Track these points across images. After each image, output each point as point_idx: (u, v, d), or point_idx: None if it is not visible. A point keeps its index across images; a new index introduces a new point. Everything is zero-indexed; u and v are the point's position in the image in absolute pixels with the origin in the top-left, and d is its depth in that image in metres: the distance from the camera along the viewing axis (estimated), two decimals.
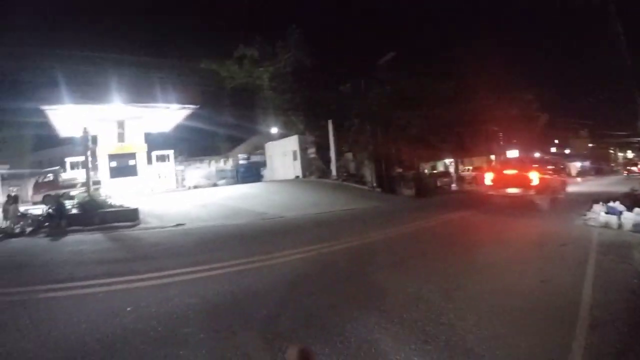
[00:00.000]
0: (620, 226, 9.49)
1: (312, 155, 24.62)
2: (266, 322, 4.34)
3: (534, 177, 12.68)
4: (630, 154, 42.88)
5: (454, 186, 24.09)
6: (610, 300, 4.87)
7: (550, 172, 15.60)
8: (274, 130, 29.97)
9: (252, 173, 27.39)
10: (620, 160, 44.66)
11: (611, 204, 10.64)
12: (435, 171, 26.05)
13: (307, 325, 4.24)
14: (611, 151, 48.06)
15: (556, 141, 40.46)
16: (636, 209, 9.87)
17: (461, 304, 4.79)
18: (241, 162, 29.20)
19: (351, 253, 7.25)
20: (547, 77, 32.54)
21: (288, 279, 5.88)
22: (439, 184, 21.67)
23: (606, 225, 9.64)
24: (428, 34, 30.54)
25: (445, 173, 25.52)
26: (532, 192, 12.70)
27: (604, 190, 18.43)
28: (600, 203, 10.89)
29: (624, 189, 14.49)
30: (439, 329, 4.08)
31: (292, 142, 26.71)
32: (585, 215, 10.73)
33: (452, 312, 4.52)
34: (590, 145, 45.24)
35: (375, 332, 4.00)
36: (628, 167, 32.94)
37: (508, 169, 13.47)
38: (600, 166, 43.11)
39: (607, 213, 10.11)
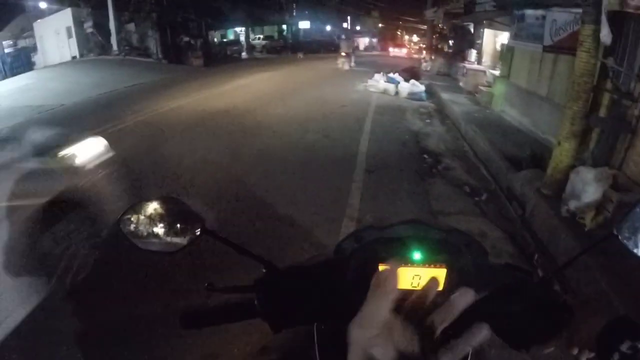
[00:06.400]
0: (397, 93, 11.13)
1: (90, 30, 20.30)
2: None
3: None
4: (415, 38, 49.15)
5: (244, 54, 24.10)
6: (384, 150, 5.75)
7: None
8: (43, 4, 22.90)
9: (22, 62, 21.15)
10: (407, 41, 51.05)
11: (391, 74, 12.32)
12: (225, 40, 25.11)
13: None
14: (399, 33, 54.73)
15: (349, 17, 43.20)
16: (412, 81, 11.70)
17: (248, 160, 4.98)
18: (7, 50, 22.10)
19: (145, 126, 6.64)
20: None
21: None
22: (228, 52, 21.22)
23: (384, 92, 11.20)
24: None
25: (235, 42, 25.03)
26: None
27: (385, 63, 21.05)
28: (382, 73, 12.47)
29: (405, 63, 17.00)
30: (229, 186, 4.11)
31: (65, 17, 20.99)
32: (367, 82, 12.15)
33: (240, 169, 4.61)
34: (380, 25, 50.34)
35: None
36: (392, 48, 35.90)
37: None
38: (387, 45, 48.77)
39: (386, 82, 11.67)
